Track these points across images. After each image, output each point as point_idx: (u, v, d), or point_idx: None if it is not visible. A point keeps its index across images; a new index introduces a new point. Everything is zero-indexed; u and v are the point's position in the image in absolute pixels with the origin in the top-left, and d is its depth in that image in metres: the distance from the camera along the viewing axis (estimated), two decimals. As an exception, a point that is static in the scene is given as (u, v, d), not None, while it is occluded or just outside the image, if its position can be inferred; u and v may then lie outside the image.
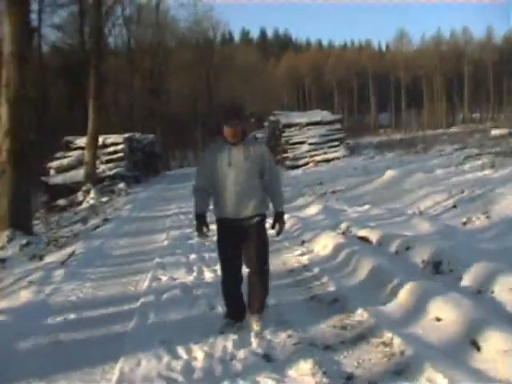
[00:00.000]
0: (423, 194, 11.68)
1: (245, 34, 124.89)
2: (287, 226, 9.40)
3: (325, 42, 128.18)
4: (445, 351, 3.80)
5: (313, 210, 11.19)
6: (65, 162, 23.80)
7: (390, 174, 14.73)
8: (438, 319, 4.35)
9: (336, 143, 26.66)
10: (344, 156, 25.62)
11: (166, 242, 9.22)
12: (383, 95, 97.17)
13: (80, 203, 19.48)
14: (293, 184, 17.35)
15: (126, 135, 25.50)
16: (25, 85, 11.58)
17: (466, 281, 5.17)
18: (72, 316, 5.51)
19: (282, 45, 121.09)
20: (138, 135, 27.67)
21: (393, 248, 6.91)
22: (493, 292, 4.74)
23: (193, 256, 7.74)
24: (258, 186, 4.65)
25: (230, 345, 4.14)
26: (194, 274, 6.68)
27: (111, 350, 4.42)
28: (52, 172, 23.44)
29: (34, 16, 37.51)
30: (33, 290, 6.52)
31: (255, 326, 4.61)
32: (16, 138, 11.20)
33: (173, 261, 7.53)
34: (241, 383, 3.60)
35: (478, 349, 3.77)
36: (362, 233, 8.01)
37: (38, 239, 11.29)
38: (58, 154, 24.51)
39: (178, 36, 59.64)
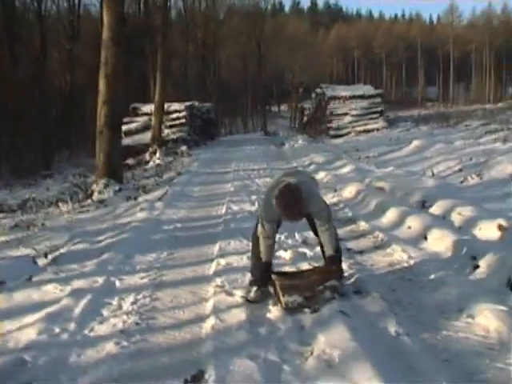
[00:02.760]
0: (439, 160, 14.22)
1: (295, 4, 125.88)
2: (325, 179, 12.23)
3: (375, 14, 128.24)
4: (407, 240, 6.60)
5: (346, 169, 13.88)
6: (133, 126, 26.72)
7: (415, 143, 17.36)
8: (409, 227, 7.15)
9: (376, 115, 29.14)
10: (383, 127, 28.08)
11: (232, 189, 12.03)
12: (432, 69, 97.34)
13: (147, 162, 22.47)
14: (333, 150, 20.12)
15: (188, 103, 28.22)
16: (119, 63, 14.41)
17: (438, 211, 7.90)
18: (178, 225, 8.51)
19: (332, 15, 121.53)
20: (197, 103, 30.32)
21: (398, 194, 9.65)
22: (450, 216, 7.48)
23: (253, 197, 10.46)
24: None
25: (283, 237, 6.90)
26: (256, 206, 9.51)
27: (211, 239, 7.33)
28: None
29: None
30: (145, 212, 9.49)
31: None
32: (111, 105, 13.96)
33: (239, 199, 10.37)
34: (289, 252, 6.40)
35: (426, 238, 6.56)
36: (379, 184, 10.75)
37: (127, 186, 14.24)
38: (126, 119, 27.45)
39: (230, 6, 61.68)
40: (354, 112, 28.90)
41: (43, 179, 24.38)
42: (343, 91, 30.80)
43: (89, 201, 12.75)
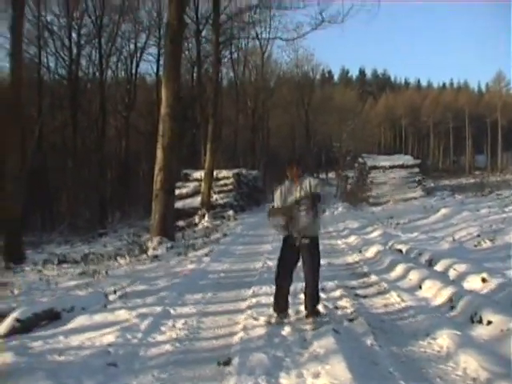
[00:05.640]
0: (462, 226, 15.52)
1: (344, 74, 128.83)
2: (354, 242, 13.74)
3: (424, 82, 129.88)
4: (404, 289, 8.12)
5: (374, 234, 15.40)
6: (184, 190, 28.73)
7: (443, 211, 18.76)
8: (410, 279, 8.66)
9: (414, 185, 30.60)
10: (420, 196, 29.47)
11: (270, 248, 13.64)
12: (480, 137, 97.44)
13: (196, 225, 24.29)
14: (369, 217, 21.65)
15: (235, 171, 30.37)
16: (174, 135, 16.37)
17: (440, 267, 9.36)
18: (222, 275, 10.24)
19: (380, 84, 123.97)
20: (244, 171, 32.38)
21: (412, 254, 11.14)
22: (448, 271, 8.93)
23: (287, 254, 12.17)
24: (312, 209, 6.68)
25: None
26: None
27: (247, 285, 8.98)
28: (173, 198, 28.52)
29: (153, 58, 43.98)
30: (194, 264, 11.27)
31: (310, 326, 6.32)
32: (167, 172, 15.89)
33: (275, 257, 11.54)
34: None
35: (420, 288, 8.04)
36: (398, 246, 12.25)
37: (178, 244, 16.00)
38: (178, 184, 29.51)
39: (279, 77, 63.89)
40: (393, 181, 30.47)
41: (99, 237, 26.49)
42: (383, 161, 32.44)
43: (144, 256, 14.49)
